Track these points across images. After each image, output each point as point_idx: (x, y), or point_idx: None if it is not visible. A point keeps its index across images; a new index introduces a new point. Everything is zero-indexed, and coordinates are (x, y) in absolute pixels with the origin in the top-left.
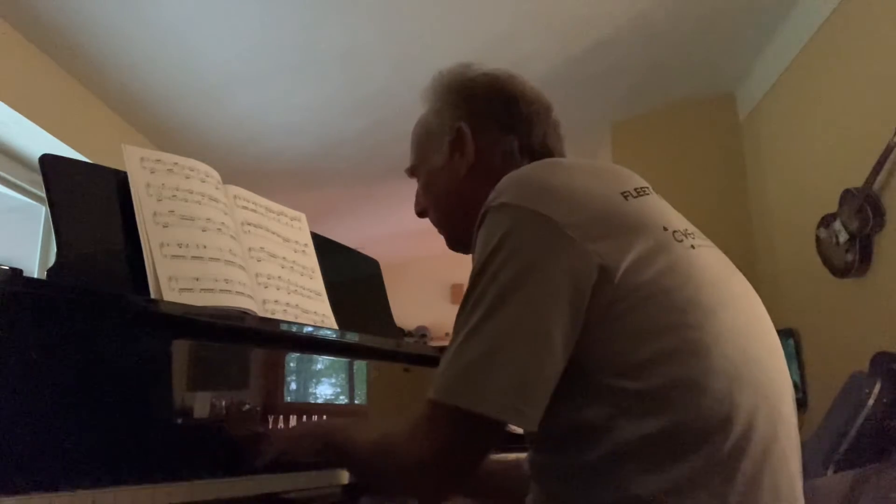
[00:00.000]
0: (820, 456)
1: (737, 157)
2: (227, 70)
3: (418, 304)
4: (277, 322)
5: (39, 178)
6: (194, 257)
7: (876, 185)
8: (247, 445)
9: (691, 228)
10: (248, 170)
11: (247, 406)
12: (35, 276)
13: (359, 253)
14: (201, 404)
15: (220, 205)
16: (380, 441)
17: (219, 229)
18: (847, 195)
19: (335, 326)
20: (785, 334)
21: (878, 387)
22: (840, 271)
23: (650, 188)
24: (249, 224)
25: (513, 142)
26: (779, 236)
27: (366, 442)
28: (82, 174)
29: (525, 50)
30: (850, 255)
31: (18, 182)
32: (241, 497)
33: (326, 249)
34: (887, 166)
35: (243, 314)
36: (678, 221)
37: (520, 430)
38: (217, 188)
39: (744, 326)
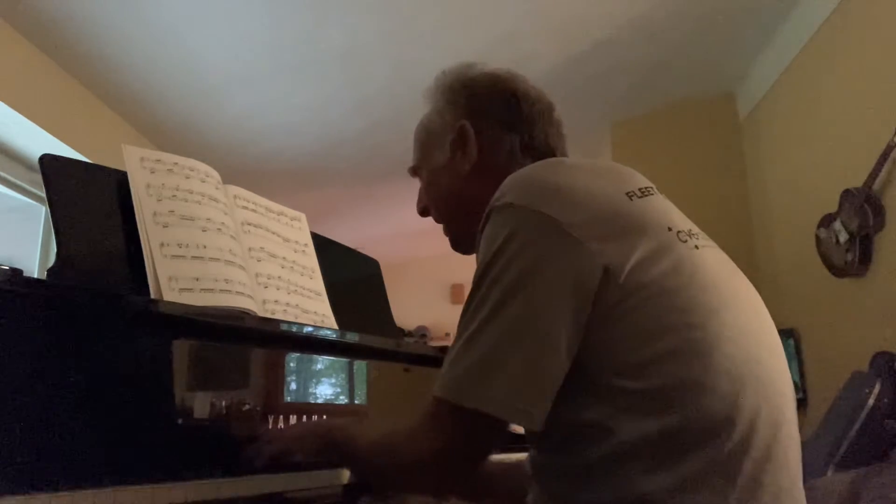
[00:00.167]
0: (820, 456)
1: (737, 157)
2: (227, 70)
3: (418, 304)
4: (277, 322)
5: (39, 178)
6: (194, 257)
7: (876, 185)
8: (247, 445)
9: (695, 229)
10: (248, 170)
11: (247, 406)
12: (35, 276)
13: (359, 253)
14: (201, 404)
15: (220, 205)
16: (382, 439)
17: (219, 229)
18: (847, 195)
19: (335, 326)
20: (785, 334)
21: (878, 387)
22: (840, 271)
23: (654, 188)
24: (249, 224)
25: (515, 141)
26: (779, 236)
27: (368, 440)
28: (82, 174)
29: (525, 50)
30: (850, 255)
31: (18, 182)
32: (241, 497)
33: (326, 249)
34: (887, 166)
35: (243, 314)
36: (682, 222)
37: (521, 430)
38: (217, 188)
39: (746, 327)
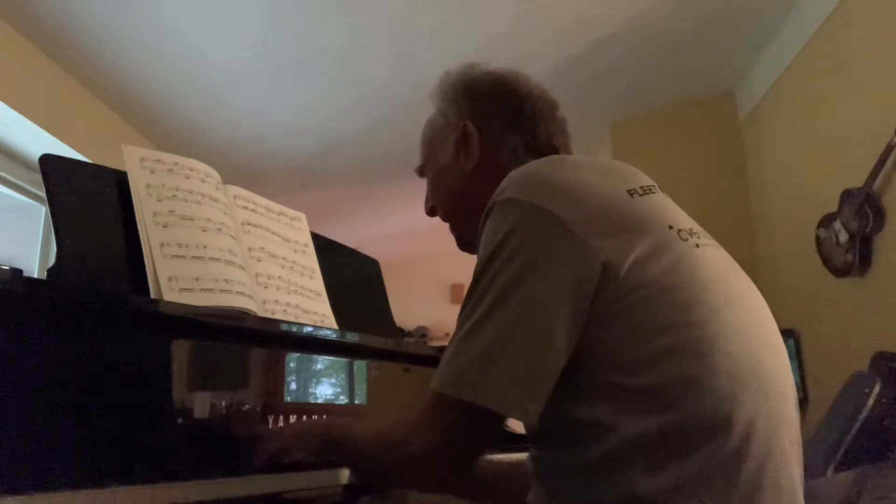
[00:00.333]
0: (820, 456)
1: (737, 157)
2: (227, 70)
3: (418, 304)
4: (277, 322)
5: (39, 178)
6: (194, 257)
7: (876, 185)
8: (247, 445)
9: (697, 227)
10: (248, 170)
11: (247, 406)
12: (35, 276)
13: (359, 253)
14: (201, 404)
15: (220, 205)
16: (381, 433)
17: (219, 229)
18: (847, 195)
19: (335, 326)
20: (785, 334)
21: (878, 387)
22: (840, 271)
23: (656, 186)
24: (249, 224)
25: (518, 139)
26: (779, 236)
27: (366, 435)
28: (82, 174)
29: (525, 50)
30: (850, 255)
31: (18, 182)
32: (241, 497)
33: (326, 249)
34: (887, 166)
35: (243, 314)
36: (684, 220)
37: (521, 431)
38: (217, 188)
39: (747, 326)
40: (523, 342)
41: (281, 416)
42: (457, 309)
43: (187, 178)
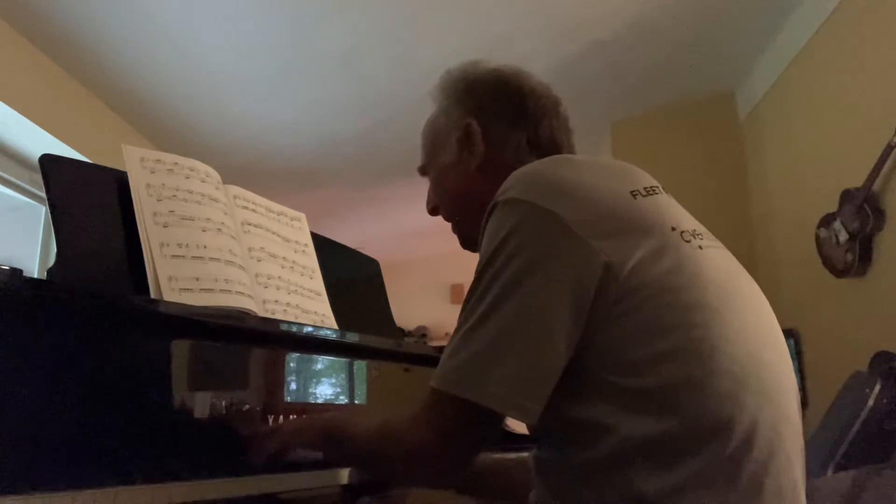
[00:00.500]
0: (820, 456)
1: (737, 157)
2: (227, 70)
3: (418, 304)
4: (277, 322)
5: (39, 178)
6: (194, 257)
7: (876, 185)
8: (246, 444)
9: (700, 229)
10: (248, 170)
11: (247, 406)
12: (35, 276)
13: (359, 253)
14: (201, 404)
15: (220, 205)
16: (380, 428)
17: (219, 229)
18: (847, 195)
19: (335, 326)
20: (785, 334)
21: (878, 387)
22: (840, 271)
23: (660, 187)
24: (249, 224)
25: (521, 137)
26: (779, 236)
27: (365, 430)
28: (82, 174)
29: (525, 50)
30: (850, 255)
31: (18, 182)
32: (241, 497)
33: (326, 249)
34: (887, 166)
35: (243, 314)
36: (687, 222)
37: (521, 431)
38: (217, 188)
39: (750, 328)
40: (524, 341)
41: (281, 416)
42: (457, 309)
43: (187, 178)
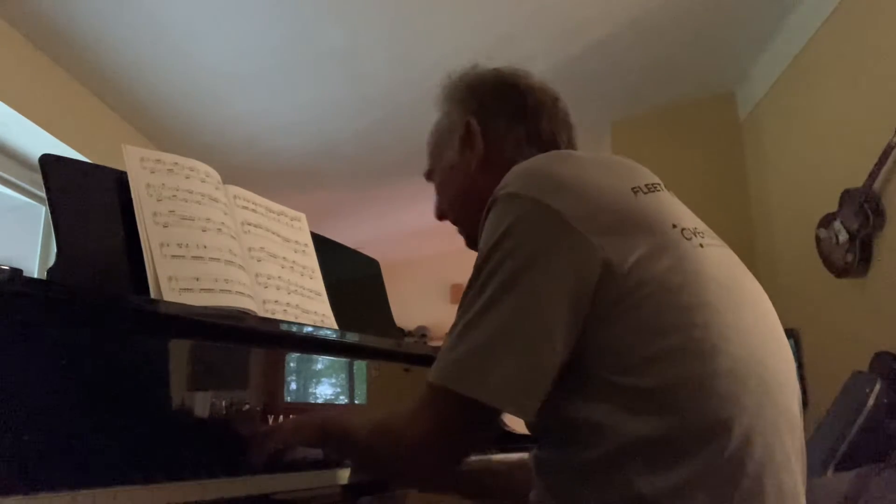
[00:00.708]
0: (820, 456)
1: (737, 157)
2: (227, 70)
3: (418, 304)
4: (277, 322)
5: (39, 178)
6: (194, 257)
7: (876, 185)
8: (246, 444)
9: (701, 227)
10: (248, 170)
11: (247, 406)
12: (35, 276)
13: (359, 253)
14: (201, 404)
15: (220, 205)
16: (378, 423)
17: (219, 229)
18: (847, 195)
19: (335, 326)
20: (785, 334)
21: (878, 387)
22: (840, 271)
23: (661, 185)
24: (249, 224)
25: (521, 133)
26: (779, 236)
27: (363, 425)
28: (82, 174)
29: (525, 50)
30: (850, 255)
31: (18, 182)
32: (242, 497)
33: (326, 249)
34: (887, 166)
35: (243, 314)
36: (688, 220)
37: (521, 431)
38: (217, 188)
39: (751, 327)
40: (521, 337)
41: (281, 416)
42: (456, 309)
43: (187, 178)
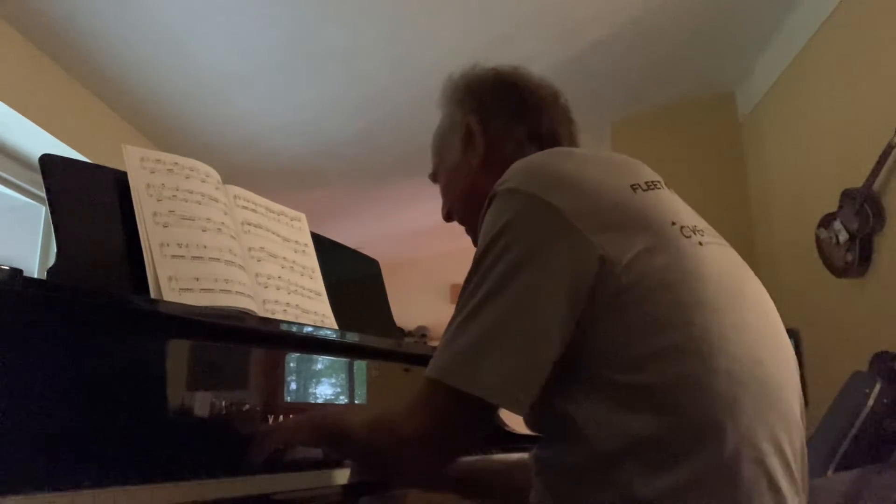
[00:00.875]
0: (820, 456)
1: (737, 157)
2: (227, 70)
3: (418, 304)
4: (277, 322)
5: (39, 178)
6: (194, 257)
7: (876, 185)
8: (246, 444)
9: (702, 225)
10: (248, 170)
11: (247, 406)
12: (35, 276)
13: (359, 253)
14: (201, 404)
15: (220, 205)
16: (375, 418)
17: (219, 229)
18: (847, 195)
19: (335, 326)
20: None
21: (878, 387)
22: (840, 271)
23: (662, 182)
24: (249, 224)
25: (521, 131)
26: (779, 236)
27: (360, 421)
28: (82, 174)
29: (525, 50)
30: (850, 255)
31: (18, 182)
32: (241, 497)
33: (326, 249)
34: (887, 166)
35: (243, 314)
36: (688, 217)
37: (523, 431)
38: (217, 188)
39: (751, 327)
40: (517, 332)
41: (281, 417)
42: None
43: (187, 178)
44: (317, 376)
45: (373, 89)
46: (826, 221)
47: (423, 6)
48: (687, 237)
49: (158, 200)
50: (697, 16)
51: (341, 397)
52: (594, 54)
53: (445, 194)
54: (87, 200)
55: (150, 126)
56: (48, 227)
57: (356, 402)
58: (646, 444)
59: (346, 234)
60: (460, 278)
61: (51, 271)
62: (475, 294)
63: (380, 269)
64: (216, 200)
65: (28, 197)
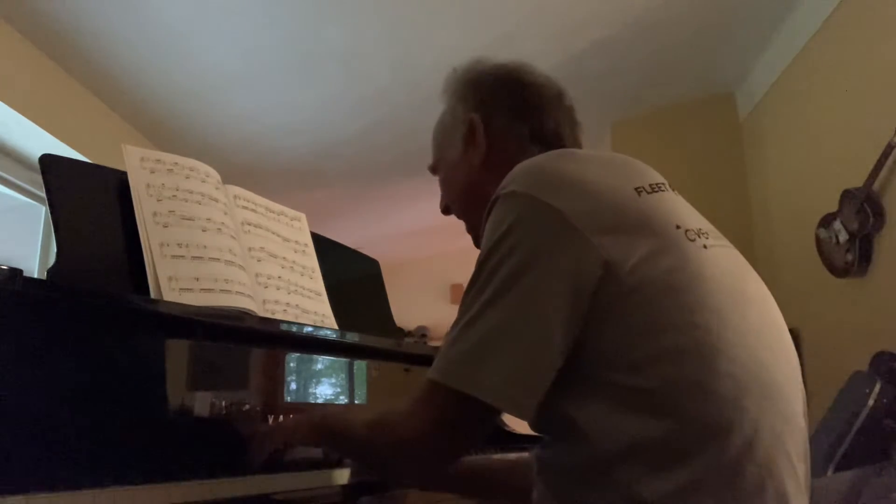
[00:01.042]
0: (820, 456)
1: (737, 157)
2: (227, 70)
3: (418, 304)
4: (277, 322)
5: (39, 178)
6: (194, 257)
7: (876, 185)
8: (246, 444)
9: (706, 227)
10: (248, 170)
11: (247, 406)
12: (35, 276)
13: (359, 253)
14: (201, 404)
15: (220, 205)
16: (376, 418)
17: (219, 229)
18: (847, 195)
19: (335, 326)
20: None
21: (878, 387)
22: (840, 271)
23: (666, 184)
24: (249, 224)
25: (524, 130)
26: (779, 236)
27: (361, 421)
28: (82, 174)
29: (525, 50)
30: (850, 255)
31: (18, 182)
32: (241, 497)
33: (326, 249)
34: (887, 166)
35: (243, 314)
36: (693, 220)
37: (524, 431)
38: (217, 188)
39: (754, 329)
40: (520, 336)
41: (281, 416)
42: (457, 309)
43: (187, 178)
44: (317, 376)
45: (373, 89)
46: (826, 221)
47: (423, 6)
48: (691, 240)
49: (158, 200)
50: (697, 16)
51: (341, 397)
52: (594, 54)
53: (444, 189)
54: (87, 200)
55: (150, 126)
56: (48, 227)
57: (356, 402)
58: (648, 445)
59: (346, 234)
60: (460, 278)
61: (51, 271)
62: (478, 297)
63: (380, 269)
64: (216, 200)
65: (28, 197)
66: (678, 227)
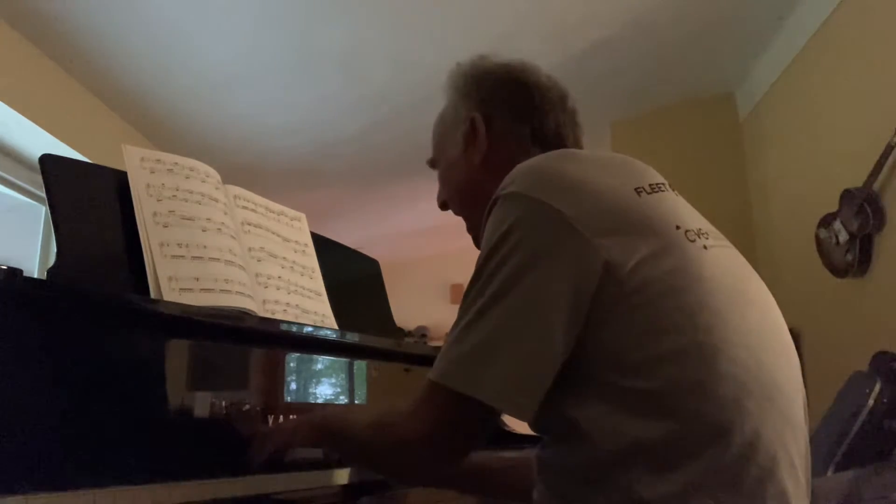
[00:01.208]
0: (820, 456)
1: (737, 157)
2: (227, 70)
3: (418, 304)
4: (277, 322)
5: (39, 178)
6: (194, 257)
7: (876, 185)
8: (246, 444)
9: (706, 228)
10: (248, 170)
11: (247, 406)
12: (35, 276)
13: (359, 253)
14: (201, 404)
15: (220, 205)
16: (376, 419)
17: (219, 229)
18: (847, 195)
19: (335, 326)
20: None
21: (878, 387)
22: (840, 271)
23: (666, 185)
24: (249, 224)
25: (526, 130)
26: (779, 236)
27: (362, 422)
28: (82, 174)
29: (525, 50)
30: (850, 255)
31: (18, 182)
32: (241, 497)
33: (326, 249)
34: (887, 166)
35: (243, 314)
36: (693, 221)
37: (524, 431)
38: (217, 188)
39: (755, 330)
40: (520, 337)
41: (281, 416)
42: (457, 309)
43: (187, 178)
44: (317, 376)
45: (373, 89)
46: (826, 221)
47: (422, 6)
48: (691, 241)
49: (158, 200)
50: (697, 16)
51: (341, 397)
52: (594, 54)
53: (443, 185)
54: (87, 200)
55: (150, 126)
56: (48, 227)
57: (356, 402)
58: (649, 446)
59: (346, 234)
60: (460, 278)
61: (51, 271)
62: (478, 298)
63: (380, 269)
64: (216, 200)
65: (28, 197)
66: (678, 227)
